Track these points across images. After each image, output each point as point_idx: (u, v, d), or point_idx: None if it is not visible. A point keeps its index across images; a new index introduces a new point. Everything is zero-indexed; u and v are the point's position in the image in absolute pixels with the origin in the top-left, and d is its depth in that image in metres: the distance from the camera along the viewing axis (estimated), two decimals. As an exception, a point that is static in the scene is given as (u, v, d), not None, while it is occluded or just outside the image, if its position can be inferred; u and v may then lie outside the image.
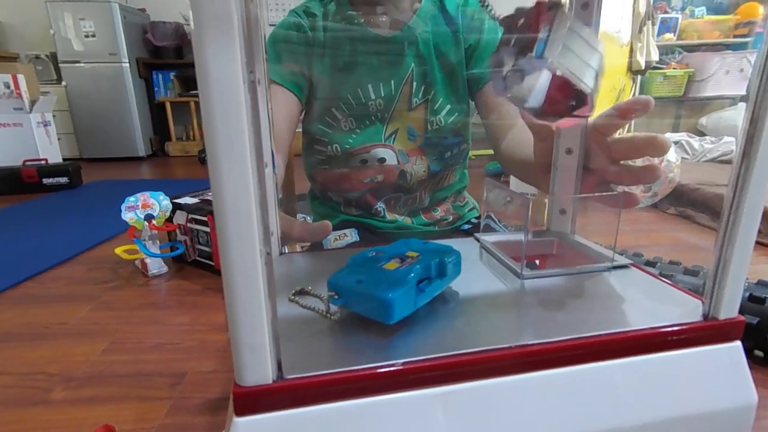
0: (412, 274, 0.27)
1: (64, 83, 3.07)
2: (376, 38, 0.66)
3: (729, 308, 0.27)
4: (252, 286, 0.20)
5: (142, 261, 1.17)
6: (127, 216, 1.13)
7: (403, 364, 0.23)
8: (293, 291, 0.32)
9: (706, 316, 0.27)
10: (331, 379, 0.23)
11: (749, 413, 0.27)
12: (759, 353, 0.73)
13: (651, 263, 0.83)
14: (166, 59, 3.34)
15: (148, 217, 1.15)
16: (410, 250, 0.31)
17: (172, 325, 0.92)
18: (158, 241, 1.17)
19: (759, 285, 0.77)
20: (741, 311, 0.26)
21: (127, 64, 3.10)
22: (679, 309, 0.29)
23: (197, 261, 1.19)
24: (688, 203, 1.58)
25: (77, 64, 3.05)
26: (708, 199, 1.50)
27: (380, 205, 0.72)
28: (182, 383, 0.72)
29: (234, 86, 0.18)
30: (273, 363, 0.22)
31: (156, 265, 1.17)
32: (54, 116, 2.77)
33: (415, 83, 0.68)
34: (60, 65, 3.05)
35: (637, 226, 1.50)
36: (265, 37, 0.36)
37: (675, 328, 0.26)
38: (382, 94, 0.67)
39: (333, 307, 0.29)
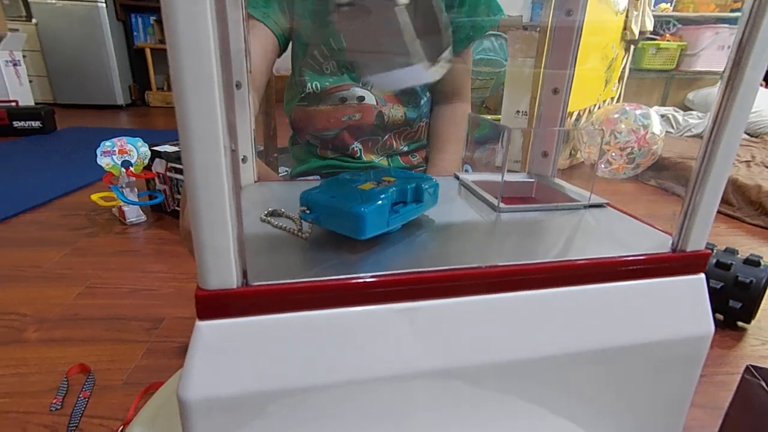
0: (386, 194, 0.26)
1: (34, 21, 2.86)
2: None
3: (697, 241, 0.27)
4: (215, 184, 0.19)
5: (119, 209, 1.14)
6: (103, 161, 1.09)
7: (371, 277, 0.23)
8: (265, 212, 0.31)
9: (674, 248, 0.27)
10: (296, 288, 0.22)
11: (705, 342, 0.28)
12: (720, 316, 0.76)
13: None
14: (146, 1, 3.12)
15: (126, 164, 1.11)
16: (387, 176, 0.30)
17: (150, 273, 0.90)
18: (136, 189, 1.14)
19: (726, 252, 0.80)
20: (708, 276, 0.27)
21: (103, 5, 2.89)
22: (651, 242, 0.29)
23: (177, 211, 1.16)
24: (668, 176, 1.61)
25: (48, 1, 2.84)
26: (689, 172, 1.52)
27: (357, 145, 0.72)
28: (159, 327, 0.71)
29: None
30: (238, 268, 0.21)
31: (134, 213, 1.14)
32: (24, 56, 2.60)
33: None
34: (30, 1, 2.84)
35: (619, 197, 1.52)
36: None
37: (645, 257, 0.27)
38: None
39: (305, 226, 0.28)
